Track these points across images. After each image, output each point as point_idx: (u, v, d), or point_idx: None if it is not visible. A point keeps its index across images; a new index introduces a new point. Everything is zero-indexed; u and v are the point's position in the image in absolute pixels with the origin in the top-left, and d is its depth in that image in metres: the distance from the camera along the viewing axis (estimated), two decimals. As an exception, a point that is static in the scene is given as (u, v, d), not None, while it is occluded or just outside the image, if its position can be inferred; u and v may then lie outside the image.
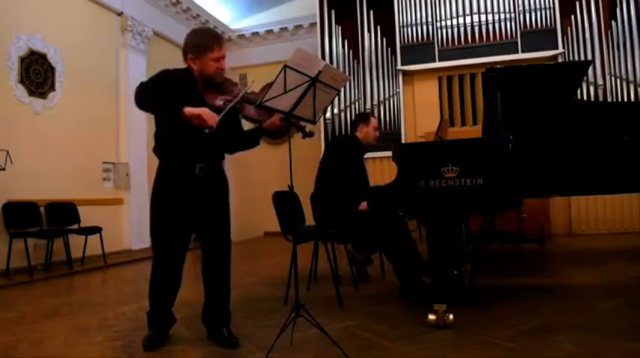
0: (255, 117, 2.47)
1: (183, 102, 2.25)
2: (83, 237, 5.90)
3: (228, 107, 2.30)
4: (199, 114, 2.21)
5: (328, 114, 8.22)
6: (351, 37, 8.38)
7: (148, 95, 2.31)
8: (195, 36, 2.46)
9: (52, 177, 5.98)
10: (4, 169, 4.98)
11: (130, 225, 7.28)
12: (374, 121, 4.07)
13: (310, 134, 2.55)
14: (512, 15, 7.53)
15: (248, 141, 2.67)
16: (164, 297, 2.54)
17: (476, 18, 7.67)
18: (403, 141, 7.83)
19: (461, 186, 2.59)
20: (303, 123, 2.50)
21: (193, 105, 2.24)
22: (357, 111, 8.27)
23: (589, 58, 7.26)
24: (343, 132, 8.30)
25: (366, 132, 4.01)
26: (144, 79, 8.62)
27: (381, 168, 7.86)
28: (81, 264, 5.81)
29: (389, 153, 4.36)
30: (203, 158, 2.45)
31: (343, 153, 3.91)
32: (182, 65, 2.50)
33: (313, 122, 2.51)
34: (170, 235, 2.47)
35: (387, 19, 8.08)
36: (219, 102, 2.36)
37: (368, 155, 7.84)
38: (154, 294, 2.54)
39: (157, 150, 2.51)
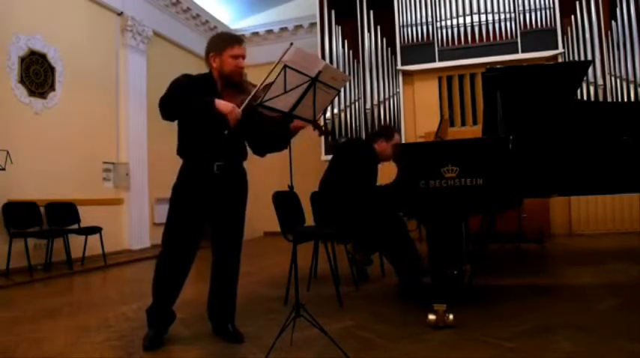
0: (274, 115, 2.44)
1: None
2: (83, 237, 5.89)
3: (246, 103, 2.33)
4: (231, 111, 2.31)
5: (328, 114, 8.22)
6: (351, 37, 8.37)
7: (176, 94, 2.41)
8: (217, 36, 2.63)
9: (52, 177, 5.97)
10: (4, 169, 4.98)
11: (130, 225, 7.26)
12: (397, 138, 3.95)
13: (327, 133, 2.61)
14: (512, 15, 7.53)
15: (275, 142, 2.66)
16: (168, 292, 2.54)
17: (476, 18, 7.66)
18: (403, 141, 7.83)
19: (461, 186, 2.59)
20: (322, 123, 2.57)
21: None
22: (357, 111, 8.27)
23: (589, 58, 7.26)
24: (343, 133, 8.29)
25: (385, 149, 3.88)
26: (144, 78, 8.52)
27: (381, 168, 7.83)
28: (81, 264, 5.80)
29: (389, 153, 4.30)
30: (221, 156, 2.50)
31: (362, 162, 3.78)
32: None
33: (313, 122, 2.51)
34: (184, 230, 2.50)
35: (387, 19, 8.08)
36: (237, 102, 2.38)
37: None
38: (158, 288, 2.54)
39: (180, 150, 2.58)
